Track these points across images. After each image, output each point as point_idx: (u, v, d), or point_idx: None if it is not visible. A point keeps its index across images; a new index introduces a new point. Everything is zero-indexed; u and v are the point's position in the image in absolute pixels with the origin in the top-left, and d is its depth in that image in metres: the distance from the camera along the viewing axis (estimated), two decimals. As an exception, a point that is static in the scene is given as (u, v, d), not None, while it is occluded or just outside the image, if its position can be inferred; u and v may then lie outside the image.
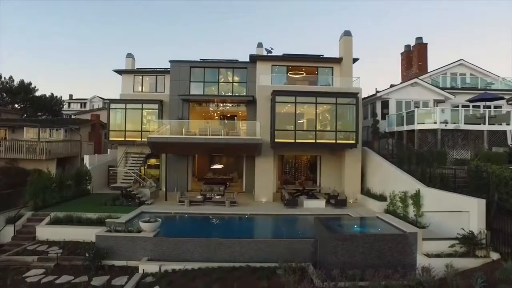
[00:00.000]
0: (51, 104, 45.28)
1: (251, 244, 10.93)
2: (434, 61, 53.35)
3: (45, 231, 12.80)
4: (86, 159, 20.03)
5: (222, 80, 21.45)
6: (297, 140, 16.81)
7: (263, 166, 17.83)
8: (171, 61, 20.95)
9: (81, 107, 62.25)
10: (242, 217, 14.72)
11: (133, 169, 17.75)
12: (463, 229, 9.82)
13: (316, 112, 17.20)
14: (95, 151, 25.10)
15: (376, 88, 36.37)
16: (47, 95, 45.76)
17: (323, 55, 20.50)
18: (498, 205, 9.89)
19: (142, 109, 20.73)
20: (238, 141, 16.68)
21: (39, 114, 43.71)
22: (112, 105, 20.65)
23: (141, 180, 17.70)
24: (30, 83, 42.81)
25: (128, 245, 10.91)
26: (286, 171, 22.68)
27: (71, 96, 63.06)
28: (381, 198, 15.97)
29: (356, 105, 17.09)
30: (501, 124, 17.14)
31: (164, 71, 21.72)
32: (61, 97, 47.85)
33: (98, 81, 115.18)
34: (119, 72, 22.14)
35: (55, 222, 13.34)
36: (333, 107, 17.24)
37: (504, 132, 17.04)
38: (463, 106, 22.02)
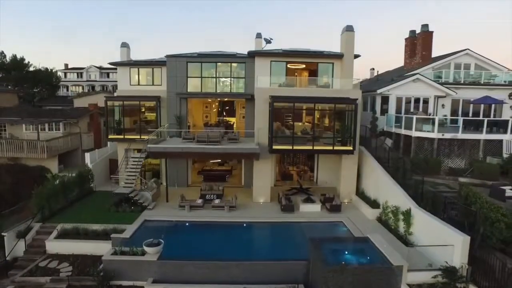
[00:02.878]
0: (47, 79, 44.40)
1: (249, 266, 11.72)
2: (438, 50, 50.55)
3: (54, 245, 13.57)
4: (87, 157, 20.30)
5: (220, 75, 20.97)
6: (294, 147, 17.03)
7: (261, 166, 18.09)
8: (167, 56, 20.35)
9: (77, 77, 61.09)
10: (240, 225, 15.41)
11: (133, 172, 18.08)
12: (447, 262, 10.48)
13: (314, 117, 17.24)
14: (95, 142, 25.22)
15: (377, 71, 35.66)
16: (42, 69, 44.76)
17: (323, 52, 19.84)
18: (483, 240, 10.45)
19: (139, 106, 20.60)
20: (237, 151, 16.88)
21: (36, 90, 43.13)
22: (109, 103, 20.41)
23: (143, 186, 18.19)
24: (23, 58, 41.65)
25: (134, 267, 11.68)
26: (285, 155, 23.11)
27: (66, 65, 61.52)
28: (374, 204, 16.56)
29: (354, 111, 16.99)
30: (498, 132, 17.18)
31: (161, 63, 21.00)
32: (56, 71, 46.77)
33: (93, 50, 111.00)
34: (115, 64, 21.61)
35: (63, 234, 14.06)
36: (332, 113, 17.21)
37: (500, 141, 17.12)
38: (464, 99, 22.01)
